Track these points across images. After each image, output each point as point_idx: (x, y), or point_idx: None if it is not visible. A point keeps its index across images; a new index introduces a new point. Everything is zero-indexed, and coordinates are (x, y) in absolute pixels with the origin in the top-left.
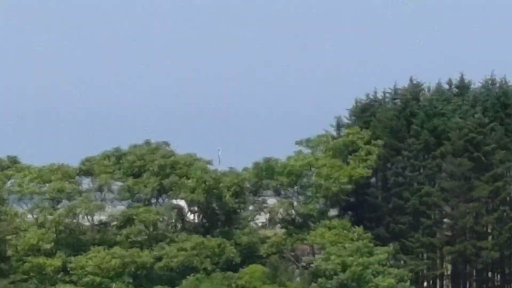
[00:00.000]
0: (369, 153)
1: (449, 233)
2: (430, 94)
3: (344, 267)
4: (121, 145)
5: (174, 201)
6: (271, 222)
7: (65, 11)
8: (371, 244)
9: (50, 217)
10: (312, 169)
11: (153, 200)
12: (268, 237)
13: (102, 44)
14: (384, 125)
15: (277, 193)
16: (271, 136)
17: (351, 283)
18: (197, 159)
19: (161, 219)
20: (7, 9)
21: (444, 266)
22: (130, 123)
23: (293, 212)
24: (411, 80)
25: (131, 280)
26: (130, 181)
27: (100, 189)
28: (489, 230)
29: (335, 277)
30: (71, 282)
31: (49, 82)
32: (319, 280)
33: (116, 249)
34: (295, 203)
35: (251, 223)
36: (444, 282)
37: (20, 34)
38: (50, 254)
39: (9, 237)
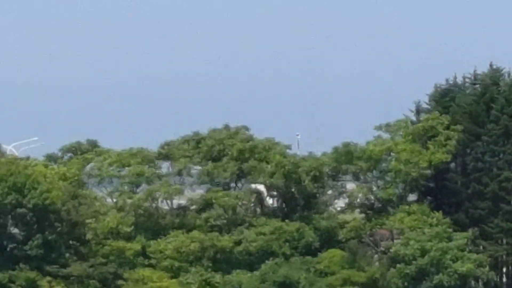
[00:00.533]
0: (448, 138)
1: None
2: (510, 79)
3: (423, 252)
4: (200, 129)
5: (253, 186)
6: (350, 206)
7: None
8: (450, 230)
9: (129, 201)
10: (392, 154)
11: (232, 185)
12: (347, 222)
13: (179, 28)
14: (463, 110)
15: (356, 177)
16: (350, 121)
17: (430, 268)
18: (276, 143)
19: (240, 203)
20: None
21: None
22: (209, 107)
23: (372, 197)
24: (491, 65)
25: (210, 264)
26: (209, 165)
27: (179, 173)
28: None
29: (414, 262)
30: (150, 265)
31: (129, 66)
32: (398, 265)
33: (195, 233)
34: (374, 188)
35: (330, 208)
36: None
37: (104, 12)
38: (129, 237)
39: (88, 220)
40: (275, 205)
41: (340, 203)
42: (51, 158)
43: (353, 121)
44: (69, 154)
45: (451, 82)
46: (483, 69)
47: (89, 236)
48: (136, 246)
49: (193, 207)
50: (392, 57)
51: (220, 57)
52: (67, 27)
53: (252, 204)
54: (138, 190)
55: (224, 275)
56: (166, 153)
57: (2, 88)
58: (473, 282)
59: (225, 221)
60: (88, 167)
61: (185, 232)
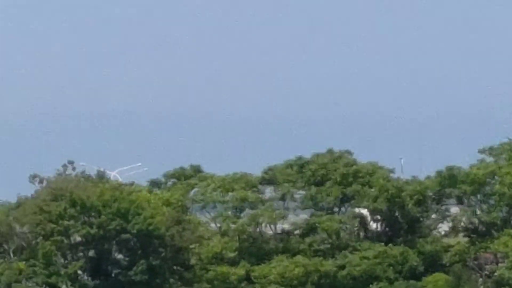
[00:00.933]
0: None
1: None
2: None
3: None
4: (304, 154)
5: (357, 210)
6: (454, 230)
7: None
8: None
9: (233, 226)
10: (495, 177)
11: (336, 209)
12: (451, 246)
13: (280, 51)
14: None
15: (460, 201)
16: (454, 145)
17: None
18: (379, 167)
19: (343, 228)
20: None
21: None
22: (313, 132)
23: (476, 220)
24: None
25: None
26: (313, 189)
27: (282, 197)
28: None
29: None
30: None
31: (233, 93)
32: None
33: (299, 258)
34: (478, 212)
35: (434, 232)
36: None
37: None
38: (233, 262)
39: (192, 245)
40: (379, 229)
41: (444, 227)
42: (155, 183)
43: (456, 145)
44: (172, 180)
45: None
46: None
47: (193, 261)
48: (240, 271)
49: (297, 231)
50: (496, 80)
51: (325, 83)
52: (164, 55)
53: (355, 228)
54: (241, 215)
55: None
56: (270, 178)
57: (108, 115)
58: None
59: (328, 245)
60: (191, 193)
61: (289, 257)
